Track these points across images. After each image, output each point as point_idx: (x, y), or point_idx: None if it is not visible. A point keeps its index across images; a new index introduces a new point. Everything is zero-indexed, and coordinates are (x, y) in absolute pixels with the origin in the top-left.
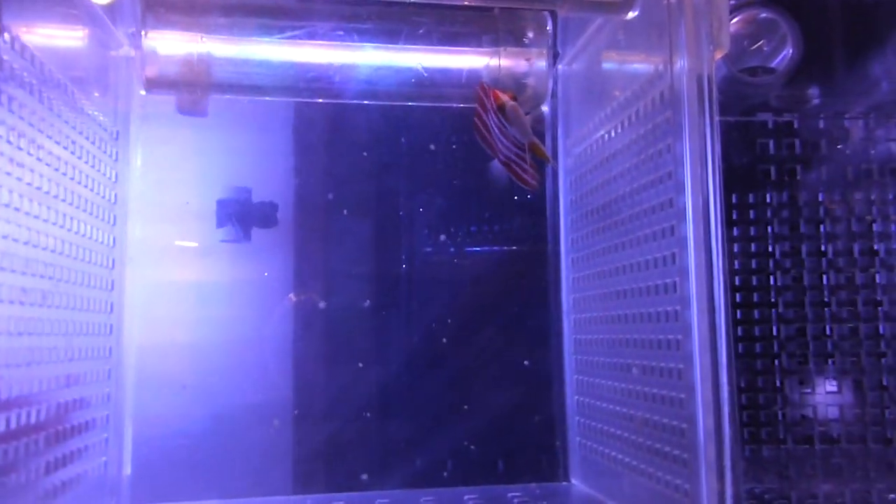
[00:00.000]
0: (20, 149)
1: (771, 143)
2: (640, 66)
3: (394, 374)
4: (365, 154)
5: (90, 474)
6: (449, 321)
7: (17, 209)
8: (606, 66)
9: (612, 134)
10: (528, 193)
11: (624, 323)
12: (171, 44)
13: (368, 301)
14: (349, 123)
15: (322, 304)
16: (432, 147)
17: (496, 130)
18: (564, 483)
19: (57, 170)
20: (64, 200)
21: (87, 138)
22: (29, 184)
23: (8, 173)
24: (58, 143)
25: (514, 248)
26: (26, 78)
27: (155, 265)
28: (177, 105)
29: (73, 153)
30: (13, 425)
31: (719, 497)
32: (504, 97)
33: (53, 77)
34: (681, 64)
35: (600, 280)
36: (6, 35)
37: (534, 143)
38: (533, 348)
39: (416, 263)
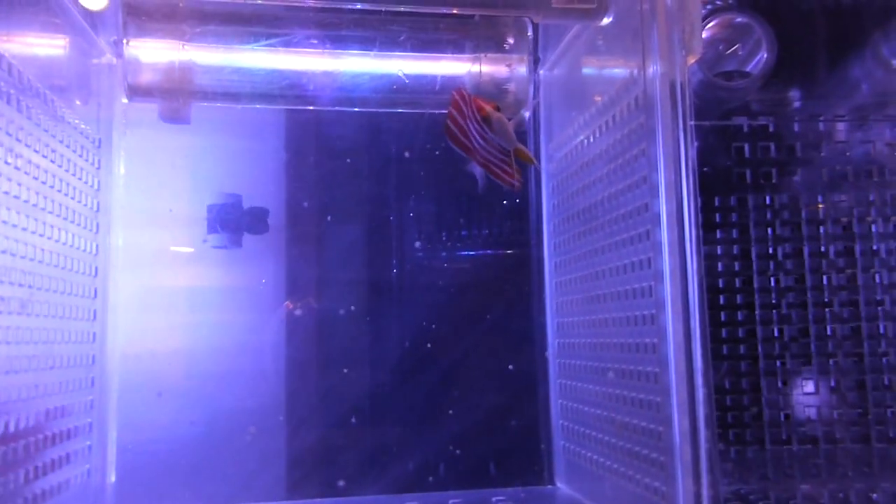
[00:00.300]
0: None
1: (746, 146)
2: (617, 71)
3: (380, 379)
4: (353, 160)
5: (73, 482)
6: (435, 326)
7: None
8: (585, 71)
9: (591, 139)
10: (514, 196)
11: (604, 326)
12: (153, 52)
13: (354, 306)
14: (338, 129)
15: (314, 304)
16: (420, 153)
17: (476, 136)
18: (549, 486)
19: (36, 178)
20: (44, 209)
21: (69, 146)
22: (6, 192)
23: None
24: (37, 151)
25: (500, 251)
26: (3, 87)
27: (142, 272)
28: (159, 113)
29: (53, 161)
30: None
31: (696, 499)
32: (488, 107)
33: (32, 86)
34: (653, 69)
35: (582, 284)
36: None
37: (518, 149)
38: (518, 352)
39: (405, 268)
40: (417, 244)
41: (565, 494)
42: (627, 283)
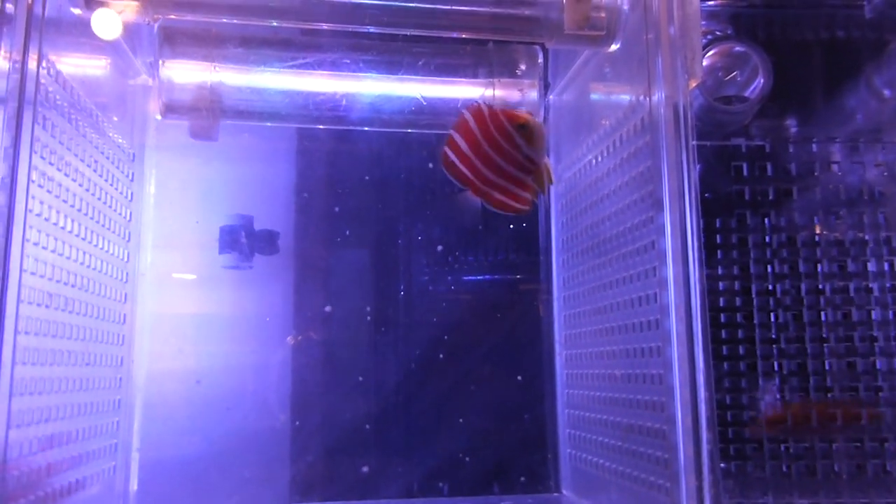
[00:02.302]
0: (51, 164)
1: (745, 165)
2: (623, 95)
3: (389, 397)
4: (365, 183)
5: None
6: (444, 340)
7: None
8: (593, 96)
9: (599, 159)
10: (522, 220)
11: (610, 335)
12: (186, 72)
13: (366, 324)
14: (349, 155)
15: (314, 337)
16: (431, 179)
17: (491, 157)
18: (556, 494)
19: (81, 185)
20: (84, 219)
21: (108, 158)
22: (57, 196)
23: (41, 186)
24: (83, 161)
25: (509, 268)
26: (59, 101)
27: (161, 290)
28: (189, 130)
29: (94, 171)
30: (25, 451)
31: (697, 493)
32: (524, 115)
33: (82, 102)
34: (658, 93)
35: (590, 296)
36: (45, 63)
37: (546, 164)
38: (525, 364)
39: (413, 290)
40: (425, 267)
41: (571, 501)
42: (633, 292)
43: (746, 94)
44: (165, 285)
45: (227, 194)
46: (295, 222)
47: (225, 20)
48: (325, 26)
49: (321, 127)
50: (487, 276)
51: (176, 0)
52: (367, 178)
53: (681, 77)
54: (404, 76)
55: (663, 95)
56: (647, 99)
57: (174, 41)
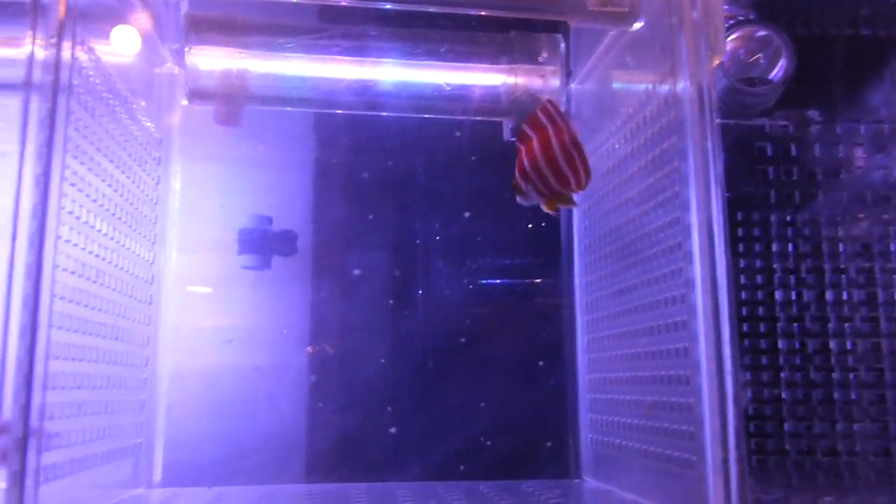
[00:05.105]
0: (91, 144)
1: (768, 145)
2: (646, 78)
3: (411, 382)
4: (383, 182)
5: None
6: (468, 322)
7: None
8: (615, 82)
9: (622, 141)
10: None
11: (634, 314)
12: (212, 59)
13: (386, 325)
14: (369, 151)
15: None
16: (449, 180)
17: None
18: (576, 480)
19: (118, 167)
20: (115, 214)
21: (138, 141)
22: (88, 195)
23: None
24: (118, 143)
25: (528, 259)
26: (99, 87)
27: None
28: (214, 116)
29: (129, 154)
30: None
31: (724, 465)
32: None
33: (116, 87)
34: (682, 73)
35: (613, 278)
36: (83, 49)
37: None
38: (546, 349)
39: (431, 289)
40: (443, 268)
41: (593, 485)
42: (658, 268)
43: (769, 77)
44: (189, 282)
45: (247, 196)
46: (313, 224)
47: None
48: (343, 2)
49: (339, 112)
50: (509, 262)
51: None
52: (388, 167)
53: (704, 55)
54: (427, 62)
55: (687, 74)
56: (671, 79)
57: (200, 28)
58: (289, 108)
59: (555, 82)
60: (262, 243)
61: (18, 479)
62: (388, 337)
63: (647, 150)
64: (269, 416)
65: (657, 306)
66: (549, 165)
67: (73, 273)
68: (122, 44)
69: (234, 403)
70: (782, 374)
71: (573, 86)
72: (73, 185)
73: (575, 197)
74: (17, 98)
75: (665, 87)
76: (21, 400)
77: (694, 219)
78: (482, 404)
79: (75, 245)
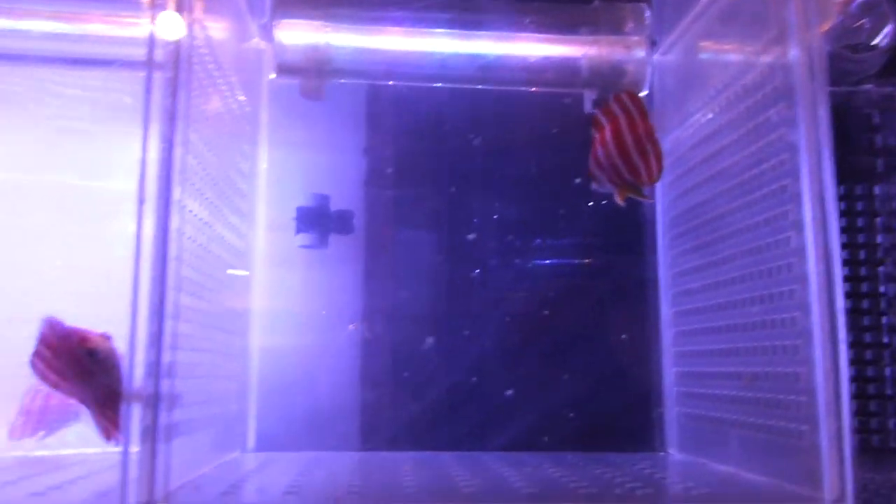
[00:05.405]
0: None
1: (876, 113)
2: (744, 46)
3: (494, 354)
4: (443, 157)
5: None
6: (551, 294)
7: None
8: (704, 52)
9: (715, 111)
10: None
11: (726, 286)
12: (297, 34)
13: (474, 298)
14: (426, 131)
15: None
16: (510, 158)
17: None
18: (661, 454)
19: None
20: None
21: (235, 115)
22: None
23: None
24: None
25: (608, 236)
26: (208, 63)
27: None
28: (300, 89)
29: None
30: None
31: (837, 434)
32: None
33: (219, 61)
34: (792, 37)
35: (701, 251)
36: (198, 26)
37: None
38: (631, 323)
39: (521, 262)
40: (501, 248)
41: (682, 459)
42: (760, 238)
43: (874, 43)
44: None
45: (301, 175)
46: (368, 203)
47: None
48: None
49: (423, 85)
50: (589, 239)
51: None
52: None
53: (814, 19)
54: (512, 34)
55: (797, 39)
56: (777, 47)
57: (287, 3)
58: (373, 82)
59: (639, 53)
60: (320, 222)
61: (150, 435)
62: (475, 309)
63: (746, 121)
64: (360, 387)
65: (758, 276)
66: (621, 156)
67: (191, 239)
68: (221, 17)
69: (322, 374)
70: (885, 353)
71: (656, 56)
72: (195, 157)
73: (649, 186)
74: (101, 74)
75: (768, 56)
76: (152, 355)
77: (806, 187)
78: (565, 377)
79: (194, 214)
